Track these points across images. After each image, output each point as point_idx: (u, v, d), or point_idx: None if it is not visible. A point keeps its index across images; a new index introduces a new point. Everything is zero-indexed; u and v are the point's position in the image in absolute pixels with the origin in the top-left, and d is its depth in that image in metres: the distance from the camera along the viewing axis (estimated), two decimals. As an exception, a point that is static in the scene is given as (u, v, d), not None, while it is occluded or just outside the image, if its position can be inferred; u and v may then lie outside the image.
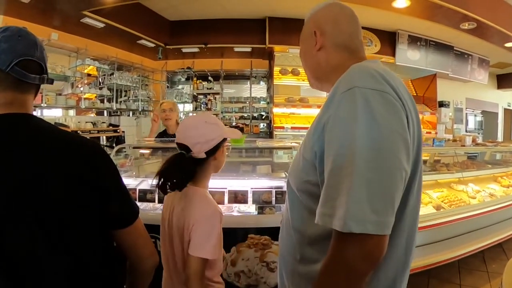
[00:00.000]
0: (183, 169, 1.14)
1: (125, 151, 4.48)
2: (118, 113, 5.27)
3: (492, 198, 3.15)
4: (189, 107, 6.42)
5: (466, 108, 7.54)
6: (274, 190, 2.21)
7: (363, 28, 0.99)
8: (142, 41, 4.84)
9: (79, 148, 0.80)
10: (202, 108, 6.17)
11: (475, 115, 7.88)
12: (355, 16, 0.95)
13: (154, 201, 2.21)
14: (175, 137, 1.23)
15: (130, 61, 5.34)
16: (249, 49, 5.68)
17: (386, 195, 0.66)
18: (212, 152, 1.18)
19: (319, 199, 0.73)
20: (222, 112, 6.17)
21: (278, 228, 2.09)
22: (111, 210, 0.81)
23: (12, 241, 0.68)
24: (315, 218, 0.72)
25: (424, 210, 2.75)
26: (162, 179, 1.14)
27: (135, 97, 5.78)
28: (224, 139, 1.23)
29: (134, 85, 5.54)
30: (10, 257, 0.68)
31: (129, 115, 5.73)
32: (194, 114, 5.98)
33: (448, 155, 3.73)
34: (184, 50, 5.73)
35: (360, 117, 0.66)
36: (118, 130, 4.53)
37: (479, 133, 7.37)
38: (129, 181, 2.53)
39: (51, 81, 0.86)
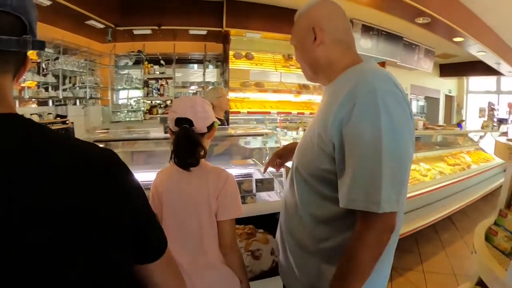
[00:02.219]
0: (197, 141, 1.17)
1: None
2: (63, 102, 4.74)
3: (441, 176, 3.50)
4: (138, 93, 5.94)
5: (411, 94, 8.24)
6: (254, 179, 2.20)
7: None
8: (91, 22, 4.38)
9: (102, 168, 0.55)
10: (154, 94, 5.79)
11: (418, 100, 8.64)
12: (345, 13, 1.03)
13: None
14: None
15: (77, 44, 4.81)
16: (204, 32, 5.47)
17: (403, 179, 0.84)
18: (209, 128, 1.24)
19: (335, 185, 0.87)
20: (175, 98, 5.81)
21: (261, 216, 2.09)
22: (141, 242, 0.61)
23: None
24: (334, 202, 0.87)
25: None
26: (181, 156, 1.15)
27: (81, 83, 5.25)
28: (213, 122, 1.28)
29: (81, 70, 5.02)
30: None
31: (75, 104, 5.19)
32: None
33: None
34: (135, 32, 5.32)
35: (383, 117, 0.79)
36: (67, 122, 4.08)
37: (421, 117, 8.12)
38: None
39: (40, 45, 0.54)
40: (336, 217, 0.92)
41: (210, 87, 3.54)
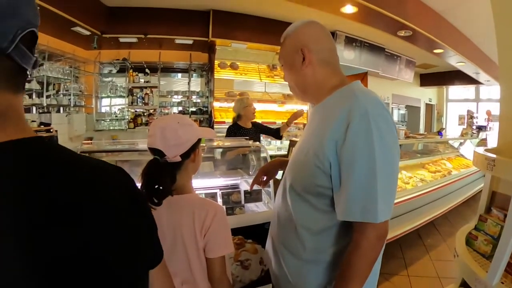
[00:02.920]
0: (159, 177, 1.06)
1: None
2: (47, 109, 4.64)
3: (423, 183, 3.61)
4: (122, 101, 5.87)
5: (392, 103, 8.45)
6: (242, 190, 2.23)
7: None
8: (77, 28, 4.30)
9: (125, 187, 0.57)
10: (138, 102, 5.73)
11: (399, 109, 8.89)
12: (330, 34, 1.09)
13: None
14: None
15: (62, 50, 4.72)
16: (190, 42, 5.47)
17: (394, 191, 0.94)
18: (188, 154, 1.12)
19: (330, 198, 0.95)
20: (159, 107, 5.85)
21: (250, 226, 2.11)
22: (147, 249, 0.63)
23: None
24: (329, 214, 0.96)
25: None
26: (147, 194, 1.04)
27: (66, 90, 5.14)
28: (199, 140, 1.17)
29: (66, 77, 4.93)
30: None
31: (58, 111, 5.07)
32: (164, 115, 5.58)
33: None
34: (121, 40, 5.27)
35: (375, 138, 0.87)
36: (51, 130, 3.98)
37: (403, 125, 8.34)
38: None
39: (36, 64, 0.53)
40: (331, 228, 0.99)
41: (237, 98, 3.58)
